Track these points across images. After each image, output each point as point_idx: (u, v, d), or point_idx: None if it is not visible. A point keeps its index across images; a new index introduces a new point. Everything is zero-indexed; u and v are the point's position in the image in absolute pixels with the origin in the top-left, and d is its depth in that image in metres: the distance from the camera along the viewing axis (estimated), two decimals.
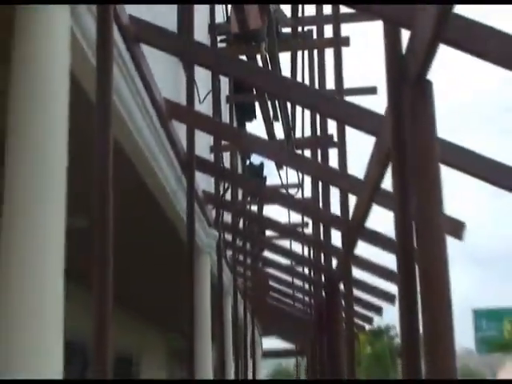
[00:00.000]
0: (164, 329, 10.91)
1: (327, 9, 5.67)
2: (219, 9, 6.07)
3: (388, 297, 6.70)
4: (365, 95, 5.90)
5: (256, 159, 9.41)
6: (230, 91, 6.94)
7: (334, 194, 5.30)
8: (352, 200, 4.31)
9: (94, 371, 2.16)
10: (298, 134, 7.50)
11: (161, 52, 3.86)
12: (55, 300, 2.03)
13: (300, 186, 7.83)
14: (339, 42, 5.10)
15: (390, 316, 6.05)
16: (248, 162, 9.44)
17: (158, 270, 6.84)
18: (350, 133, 4.88)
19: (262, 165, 9.14)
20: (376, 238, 4.88)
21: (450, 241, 3.34)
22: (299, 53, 6.70)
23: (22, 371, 1.91)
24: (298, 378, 19.25)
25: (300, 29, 6.18)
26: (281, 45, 5.60)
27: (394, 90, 2.19)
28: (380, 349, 29.57)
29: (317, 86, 5.99)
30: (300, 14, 6.00)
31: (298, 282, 9.32)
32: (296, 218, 8.51)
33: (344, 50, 5.15)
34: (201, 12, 5.25)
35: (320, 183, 6.18)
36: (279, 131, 6.88)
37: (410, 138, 2.01)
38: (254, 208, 8.38)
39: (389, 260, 4.86)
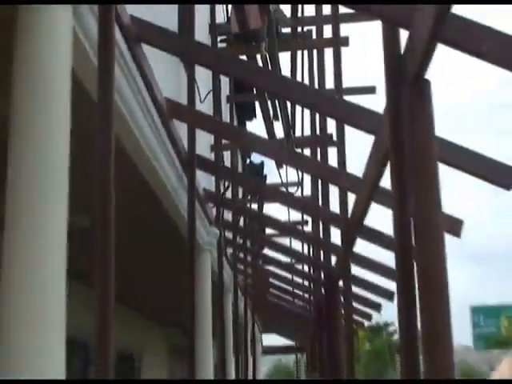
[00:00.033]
0: (165, 326, 10.91)
1: (326, 9, 5.70)
2: (220, 9, 6.09)
3: (387, 294, 6.70)
4: (364, 94, 5.94)
5: (256, 158, 9.42)
6: (230, 91, 6.94)
7: (334, 192, 5.33)
8: (351, 198, 4.31)
9: (95, 368, 2.17)
10: (298, 133, 7.52)
11: (162, 52, 3.86)
12: (57, 300, 2.04)
13: (300, 184, 7.85)
14: (338, 42, 5.12)
15: (389, 313, 6.06)
16: (248, 161, 9.44)
17: (159, 268, 6.86)
18: (349, 132, 4.93)
19: (262, 163, 9.15)
20: (375, 236, 4.87)
21: (449, 239, 3.36)
22: (299, 53, 6.70)
23: (24, 371, 1.92)
24: (297, 376, 19.26)
25: (300, 29, 6.18)
26: (281, 45, 5.61)
27: (393, 90, 2.20)
28: (379, 345, 29.61)
29: (316, 85, 6.00)
30: (300, 15, 6.00)
31: (297, 280, 9.31)
32: (296, 216, 8.53)
33: (343, 49, 5.17)
34: (201, 12, 5.27)
35: (319, 182, 6.19)
36: (279, 130, 6.90)
37: (409, 136, 2.02)
38: (255, 206, 8.37)
39: (387, 258, 4.88)
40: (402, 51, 2.15)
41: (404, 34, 2.12)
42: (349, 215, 4.41)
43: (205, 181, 5.72)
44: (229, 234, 7.22)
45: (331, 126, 5.66)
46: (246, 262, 8.13)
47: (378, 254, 5.51)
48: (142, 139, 3.72)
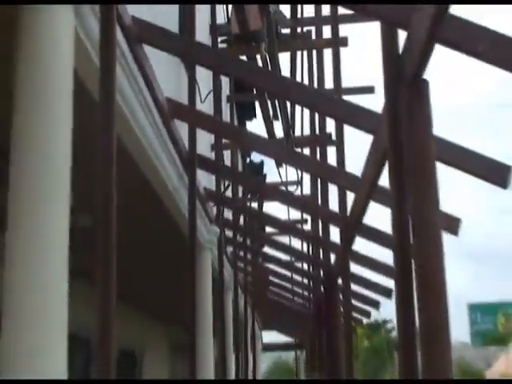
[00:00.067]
0: (166, 323, 10.92)
1: (326, 10, 5.74)
2: (220, 10, 6.12)
3: (385, 291, 6.73)
4: (362, 94, 5.97)
5: (256, 157, 9.42)
6: (230, 91, 6.96)
7: (333, 191, 5.35)
8: (350, 197, 4.34)
9: (97, 365, 2.18)
10: (298, 133, 7.54)
11: (163, 53, 3.88)
12: (59, 300, 2.03)
13: (299, 183, 7.88)
14: (337, 43, 5.16)
15: (388, 310, 6.08)
16: (248, 160, 9.44)
17: (160, 266, 6.86)
18: (348, 131, 4.95)
19: (261, 163, 9.16)
20: (373, 234, 4.88)
21: (448, 238, 3.39)
22: (298, 53, 6.71)
23: (26, 371, 1.91)
24: (297, 372, 19.31)
25: (299, 29, 6.20)
26: (280, 45, 5.63)
27: (391, 90, 2.20)
28: (377, 342, 29.64)
29: (316, 85, 6.05)
30: (299, 15, 6.04)
31: (297, 277, 9.33)
32: (295, 214, 8.54)
33: (342, 50, 5.21)
34: (202, 13, 5.29)
35: (319, 180, 6.22)
36: (279, 130, 6.92)
37: (407, 136, 2.03)
38: (254, 205, 8.37)
39: (386, 255, 4.92)
40: (401, 51, 2.17)
41: (402, 35, 2.14)
42: (348, 214, 4.45)
43: (205, 180, 5.73)
44: (229, 233, 7.23)
45: (330, 125, 5.71)
46: (246, 260, 8.14)
47: (377, 252, 5.55)
48: (143, 139, 3.73)
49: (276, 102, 6.54)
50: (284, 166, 7.34)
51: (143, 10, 3.53)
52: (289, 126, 6.78)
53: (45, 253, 2.03)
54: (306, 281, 9.35)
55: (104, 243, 2.24)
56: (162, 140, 4.12)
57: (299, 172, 7.59)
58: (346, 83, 5.30)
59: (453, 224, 3.65)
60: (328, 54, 5.54)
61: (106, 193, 2.27)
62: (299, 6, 5.95)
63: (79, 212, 2.44)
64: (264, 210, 8.33)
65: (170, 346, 11.39)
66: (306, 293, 9.92)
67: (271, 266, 9.41)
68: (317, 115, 6.26)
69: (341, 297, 6.03)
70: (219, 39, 5.69)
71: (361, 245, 5.19)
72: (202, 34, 5.29)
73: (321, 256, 6.85)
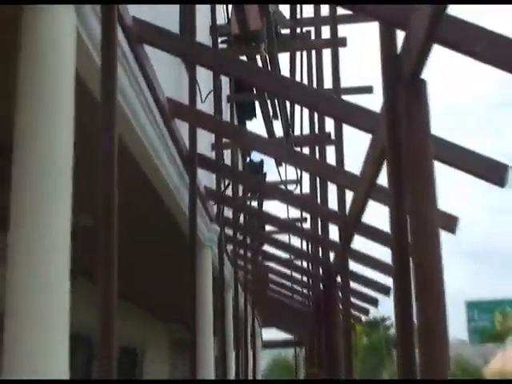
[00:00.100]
0: (167, 321, 10.94)
1: (325, 10, 5.78)
2: (220, 11, 6.15)
3: (383, 289, 6.76)
4: (361, 94, 6.01)
5: (256, 156, 9.43)
6: (230, 91, 6.98)
7: (332, 189, 5.38)
8: (349, 196, 4.36)
9: (99, 362, 2.20)
10: (297, 132, 7.59)
11: (164, 53, 3.88)
12: (61, 300, 2.03)
13: (298, 182, 7.94)
14: (336, 43, 5.18)
15: (386, 308, 6.11)
16: (248, 159, 9.45)
17: (161, 264, 6.88)
18: (347, 131, 4.99)
19: (261, 162, 9.17)
20: (372, 233, 4.89)
21: (447, 237, 3.43)
22: (298, 53, 6.75)
23: (27, 371, 1.91)
24: (296, 369, 19.38)
25: (298, 30, 6.24)
26: (280, 45, 5.66)
27: (390, 89, 2.22)
28: (376, 339, 29.69)
29: (315, 85, 6.09)
30: (298, 16, 6.09)
31: (296, 275, 9.35)
32: (295, 213, 8.59)
33: (341, 50, 5.24)
34: (202, 13, 5.32)
35: (318, 179, 6.25)
36: (278, 129, 6.96)
37: (405, 135, 2.04)
38: (254, 203, 8.38)
39: (384, 254, 4.96)
40: (399, 51, 2.18)
41: (401, 35, 2.16)
42: (347, 212, 4.47)
43: (206, 179, 5.75)
44: (229, 231, 7.25)
45: (329, 125, 5.74)
46: (246, 258, 8.16)
47: (375, 250, 5.59)
48: (144, 138, 3.74)
49: (276, 101, 6.57)
50: (284, 165, 7.39)
51: (144, 9, 3.54)
52: (288, 126, 6.82)
53: (46, 253, 2.03)
54: (305, 279, 9.38)
55: (105, 242, 2.25)
56: (163, 139, 4.13)
57: (299, 171, 7.64)
58: (344, 83, 5.34)
59: (450, 222, 3.65)
60: (327, 54, 5.58)
61: (107, 192, 2.27)
62: (298, 7, 5.98)
63: (80, 212, 2.42)
64: (264, 208, 8.36)
65: (170, 343, 11.42)
66: (305, 290, 9.95)
67: (271, 264, 9.44)
68: (316, 115, 6.29)
69: (340, 294, 6.06)
70: (219, 39, 5.71)
71: (360, 243, 5.24)
72: (203, 35, 5.31)
73: (320, 254, 6.88)
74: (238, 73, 3.85)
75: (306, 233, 7.77)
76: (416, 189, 1.95)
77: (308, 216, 8.13)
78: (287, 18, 5.92)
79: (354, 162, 3.94)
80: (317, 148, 6.30)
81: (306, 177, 7.67)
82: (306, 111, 7.15)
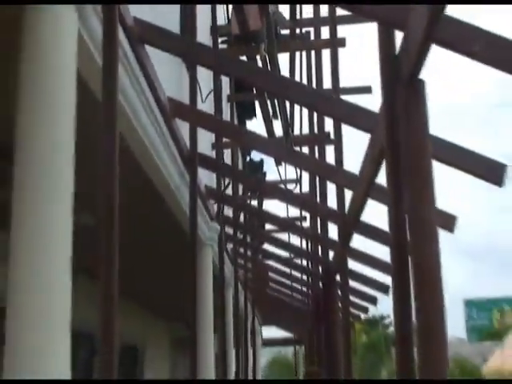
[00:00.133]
0: (168, 319, 10.97)
1: (324, 11, 5.81)
2: (220, 11, 6.18)
3: (382, 288, 6.79)
4: (360, 94, 6.04)
5: (256, 156, 9.45)
6: (230, 90, 7.00)
7: (331, 189, 5.42)
8: (348, 195, 4.39)
9: (100, 359, 2.20)
10: (297, 132, 7.61)
11: (165, 53, 3.90)
12: (62, 300, 2.03)
13: (298, 181, 7.98)
14: (336, 43, 5.21)
15: (385, 306, 6.11)
16: (248, 159, 9.47)
17: (162, 263, 6.89)
18: (346, 130, 5.02)
19: (261, 161, 9.19)
20: (371, 232, 4.90)
21: (446, 236, 3.46)
22: (297, 53, 6.77)
23: (28, 371, 1.90)
24: (296, 367, 19.43)
25: (298, 30, 6.25)
26: (280, 46, 5.67)
27: (388, 89, 2.23)
28: (375, 337, 29.72)
29: (314, 85, 6.12)
30: (298, 16, 6.11)
31: (296, 274, 9.38)
32: (294, 212, 8.62)
33: (340, 50, 5.27)
34: (203, 13, 5.35)
35: (317, 179, 6.28)
36: (278, 129, 6.98)
37: (404, 135, 2.05)
38: (254, 202, 8.38)
39: (383, 252, 4.98)
40: (397, 52, 2.20)
41: (399, 35, 2.17)
42: (346, 211, 4.51)
43: (206, 178, 5.76)
44: (229, 230, 7.27)
45: (329, 124, 5.77)
46: (246, 257, 8.18)
47: (375, 250, 5.61)
48: (145, 138, 3.76)
49: (275, 101, 6.59)
50: (283, 164, 7.42)
51: (144, 9, 3.55)
52: (288, 125, 6.84)
53: (48, 252, 2.03)
54: (304, 277, 9.41)
55: (106, 241, 2.25)
56: (164, 139, 4.15)
57: (298, 170, 7.67)
58: (343, 83, 5.38)
59: (449, 221, 3.66)
60: (326, 54, 5.61)
61: (108, 191, 2.28)
62: (298, 8, 6.01)
63: (81, 211, 2.42)
64: (264, 207, 8.37)
65: (171, 341, 11.45)
66: (304, 289, 9.98)
67: (271, 263, 9.46)
68: (315, 114, 6.32)
69: (339, 293, 6.09)
70: (220, 40, 5.74)
71: (359, 242, 5.27)
72: (203, 35, 5.32)
73: (319, 253, 6.91)
74: (238, 73, 3.87)
75: (305, 231, 7.80)
76: (415, 188, 1.97)
77: (307, 215, 8.16)
78: (287, 19, 5.94)
79: (353, 162, 3.96)
80: (316, 147, 6.33)
81: (305, 176, 7.72)
82: (305, 111, 7.17)
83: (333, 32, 5.18)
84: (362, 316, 9.68)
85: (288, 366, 28.76)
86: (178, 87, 4.86)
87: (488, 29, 2.04)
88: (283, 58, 6.36)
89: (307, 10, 6.27)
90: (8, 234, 2.03)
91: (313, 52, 6.32)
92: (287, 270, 9.31)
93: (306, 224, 8.36)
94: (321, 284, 7.35)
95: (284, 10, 6.01)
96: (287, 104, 6.87)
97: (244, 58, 5.71)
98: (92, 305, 2.28)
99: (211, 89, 5.62)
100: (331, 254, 6.25)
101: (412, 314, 2.00)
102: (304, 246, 8.48)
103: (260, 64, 5.64)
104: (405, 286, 2.07)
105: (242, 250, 8.02)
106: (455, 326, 33.61)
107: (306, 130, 7.22)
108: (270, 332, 18.53)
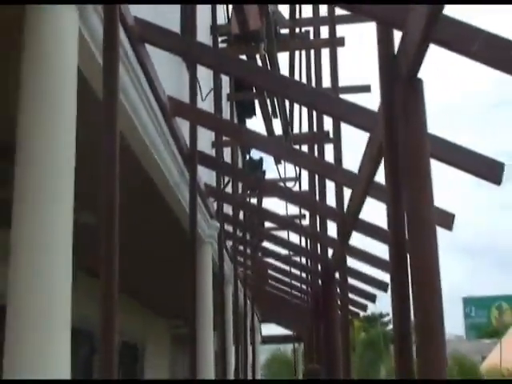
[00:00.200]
0: (167, 316, 10.99)
1: (323, 10, 5.83)
2: (220, 11, 6.20)
3: (381, 285, 6.82)
4: (359, 93, 6.06)
5: (255, 154, 9.49)
6: (230, 89, 7.02)
7: (330, 187, 5.45)
8: (347, 193, 4.42)
9: (101, 356, 2.20)
10: (296, 130, 7.64)
11: (165, 52, 3.93)
12: (63, 300, 2.02)
13: (297, 179, 8.00)
14: (335, 43, 5.22)
15: (384, 303, 6.12)
16: (248, 157, 9.52)
17: (162, 260, 6.90)
18: (345, 129, 5.05)
19: (261, 159, 9.23)
20: (370, 229, 4.94)
21: (445, 234, 3.49)
22: (297, 53, 6.79)
23: (29, 371, 1.90)
24: (295, 364, 19.49)
25: (298, 30, 6.28)
26: (279, 45, 5.70)
27: (387, 88, 2.26)
28: (374, 335, 29.76)
29: (313, 84, 6.15)
30: (297, 16, 6.13)
31: (295, 271, 9.41)
32: (293, 210, 8.67)
33: (339, 49, 5.28)
34: (203, 13, 5.37)
35: (316, 177, 6.31)
36: (278, 127, 7.02)
37: (402, 134, 2.07)
38: (254, 200, 8.41)
39: (382, 250, 5.01)
40: (396, 51, 2.23)
41: (398, 35, 2.21)
42: (345, 209, 4.54)
43: (206, 176, 5.78)
44: (229, 228, 7.28)
45: (328, 123, 5.80)
46: (246, 255, 8.21)
47: (373, 247, 5.64)
48: (145, 136, 3.77)
49: (275, 100, 6.62)
50: (283, 162, 7.46)
51: (145, 9, 3.56)
52: (287, 124, 6.87)
53: (49, 252, 2.02)
54: (304, 275, 9.44)
55: (107, 240, 2.25)
56: (164, 137, 4.16)
57: (297, 169, 7.70)
58: (343, 82, 5.40)
59: (447, 219, 3.69)
60: (325, 53, 5.62)
61: (109, 190, 2.28)
62: (298, 7, 6.03)
63: (81, 209, 2.42)
64: (263, 205, 8.40)
65: (171, 338, 11.47)
66: (304, 286, 10.01)
67: (270, 261, 9.49)
68: (315, 113, 6.35)
69: (338, 290, 6.11)
70: (219, 39, 5.76)
71: (358, 240, 5.30)
72: (203, 34, 5.34)
73: (318, 250, 6.94)
74: (237, 72, 3.89)
75: (304, 229, 7.82)
76: (413, 186, 1.99)
77: (307, 213, 8.19)
78: (286, 18, 5.96)
79: (352, 160, 4.00)
80: (315, 146, 6.36)
81: (304, 174, 7.74)
82: (304, 110, 7.19)
83: (332, 31, 5.20)
84: (361, 313, 9.70)
85: (287, 364, 28.78)
86: (179, 86, 4.86)
87: (486, 29, 2.06)
88: (283, 57, 6.41)
89: (307, 10, 6.31)
90: (9, 234, 2.04)
91: (312, 51, 6.34)
92: (286, 267, 9.33)
93: (306, 222, 8.40)
94: (320, 282, 7.37)
95: (283, 9, 6.04)
96: (287, 103, 6.90)
97: (244, 57, 5.73)
98: (92, 303, 2.30)
99: (211, 88, 5.64)
100: (330, 251, 6.28)
101: (411, 311, 2.02)
102: (303, 243, 8.51)
103: (260, 63, 5.67)
104: (403, 284, 2.09)
105: (241, 248, 8.04)
106: (454, 323, 33.75)
107: (305, 129, 7.24)
108: (270, 329, 18.59)
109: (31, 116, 2.12)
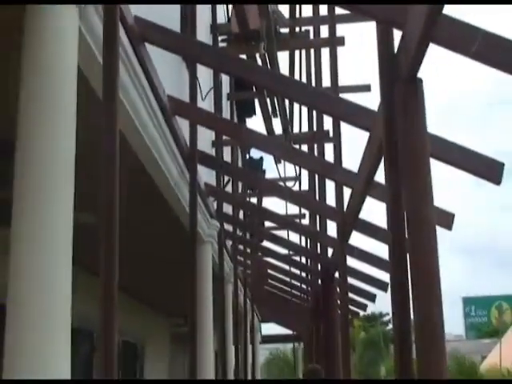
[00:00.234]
0: (167, 315, 11.01)
1: (323, 10, 5.83)
2: (220, 10, 6.20)
3: (381, 284, 6.83)
4: (359, 92, 6.06)
5: (255, 153, 9.50)
6: (230, 89, 7.05)
7: (330, 186, 5.47)
8: (347, 192, 4.43)
9: (100, 355, 2.20)
10: (296, 130, 7.67)
11: (165, 51, 3.93)
12: (63, 300, 2.02)
13: (297, 179, 8.02)
14: (335, 42, 5.22)
15: (383, 303, 6.12)
16: (248, 156, 9.52)
17: (162, 259, 6.93)
18: (345, 128, 5.05)
19: (261, 159, 9.23)
20: (369, 229, 4.95)
21: (446, 233, 3.50)
22: (297, 52, 6.82)
23: (29, 371, 1.90)
24: (295, 363, 19.52)
25: (298, 29, 6.28)
26: (279, 44, 5.71)
27: (387, 88, 2.27)
28: (374, 334, 29.76)
29: (313, 83, 6.16)
30: (297, 15, 6.13)
31: (295, 271, 9.43)
32: (293, 209, 8.67)
33: (339, 49, 5.29)
34: (203, 12, 5.38)
35: (316, 176, 6.34)
36: (278, 127, 7.04)
37: (402, 133, 2.08)
38: (254, 200, 8.43)
39: (382, 249, 5.02)
40: (396, 51, 2.24)
41: (398, 35, 2.22)
42: (344, 209, 4.54)
43: (206, 175, 5.78)
44: (229, 227, 7.30)
45: (328, 122, 5.81)
46: (246, 254, 8.23)
47: (373, 246, 5.65)
48: (145, 135, 3.77)
49: (275, 99, 6.63)
50: (283, 162, 7.46)
51: (145, 9, 3.55)
52: (287, 123, 6.89)
53: (49, 251, 2.02)
54: (303, 274, 9.45)
55: (107, 239, 2.25)
56: (164, 137, 4.16)
57: (297, 168, 7.71)
58: (342, 81, 5.41)
59: (446, 219, 3.69)
60: (325, 52, 5.63)
61: (109, 189, 2.28)
62: (297, 6, 6.03)
63: (81, 208, 2.42)
64: (263, 204, 8.41)
65: (171, 337, 11.48)
66: (303, 286, 10.02)
67: (270, 260, 9.50)
68: (314, 113, 6.36)
69: (338, 290, 6.12)
70: (220, 38, 5.77)
71: (357, 239, 5.30)
72: (203, 34, 5.35)
73: (318, 250, 6.95)
74: (237, 71, 3.90)
75: (304, 229, 7.83)
76: (413, 186, 2.00)
77: (307, 212, 8.20)
78: (286, 18, 5.96)
79: (352, 160, 4.01)
80: (315, 145, 6.36)
81: (304, 174, 7.75)
82: (304, 109, 7.21)
83: (332, 31, 5.21)
84: (361, 313, 9.70)
85: (287, 363, 28.80)
86: (179, 85, 4.86)
87: (486, 28, 2.07)
88: (283, 57, 6.41)
89: (307, 9, 6.31)
90: (9, 233, 2.03)
91: (312, 50, 6.35)
92: (286, 267, 9.34)
93: (305, 221, 8.40)
94: (320, 281, 7.38)
95: (283, 8, 6.04)
96: (287, 102, 6.90)
97: (244, 56, 5.73)
98: (92, 302, 2.29)
99: (211, 87, 5.64)
100: (330, 251, 6.28)
101: (410, 310, 2.03)
102: (303, 243, 8.51)
103: (260, 62, 5.67)
104: (403, 284, 2.09)
105: (241, 247, 8.05)
106: (454, 323, 33.83)
107: (305, 128, 7.26)
108: (269, 329, 18.61)
109: (31, 116, 2.12)
